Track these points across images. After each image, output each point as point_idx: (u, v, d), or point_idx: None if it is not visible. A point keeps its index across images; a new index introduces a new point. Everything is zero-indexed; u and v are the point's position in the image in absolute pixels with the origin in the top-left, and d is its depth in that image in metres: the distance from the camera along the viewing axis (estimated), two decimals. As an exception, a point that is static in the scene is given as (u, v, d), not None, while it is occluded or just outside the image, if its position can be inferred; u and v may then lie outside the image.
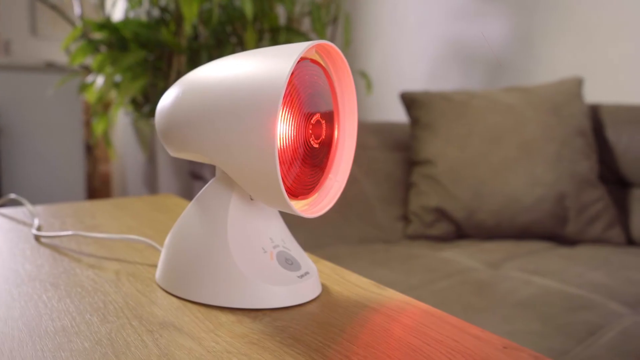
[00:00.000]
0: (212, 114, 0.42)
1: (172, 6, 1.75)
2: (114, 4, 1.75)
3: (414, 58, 2.13)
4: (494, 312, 0.90)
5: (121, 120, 1.88)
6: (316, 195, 0.48)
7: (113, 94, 1.77)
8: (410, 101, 1.55)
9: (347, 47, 1.97)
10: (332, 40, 1.94)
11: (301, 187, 0.45)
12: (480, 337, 0.40)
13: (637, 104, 1.42)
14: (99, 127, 1.81)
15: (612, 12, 1.56)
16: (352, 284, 0.51)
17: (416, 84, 2.04)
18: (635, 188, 1.38)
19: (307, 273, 0.47)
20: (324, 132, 0.46)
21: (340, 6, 1.95)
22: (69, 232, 0.62)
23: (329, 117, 0.47)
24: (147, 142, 1.79)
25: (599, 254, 1.21)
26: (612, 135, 1.40)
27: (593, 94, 1.55)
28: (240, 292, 0.44)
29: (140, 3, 1.75)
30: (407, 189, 1.48)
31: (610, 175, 1.40)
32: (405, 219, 1.44)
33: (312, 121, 0.44)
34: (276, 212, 0.50)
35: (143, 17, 1.75)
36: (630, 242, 1.34)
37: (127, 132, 1.97)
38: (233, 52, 1.72)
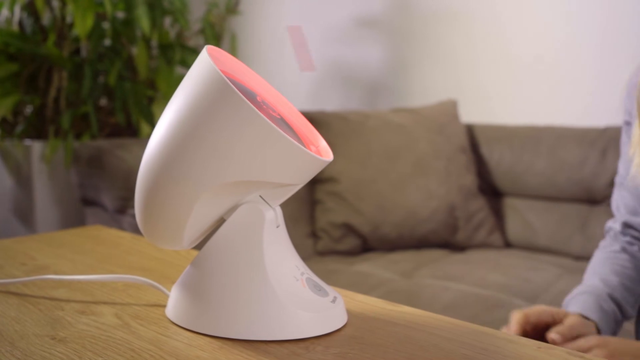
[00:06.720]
0: (201, 139, 0.41)
1: (47, 17, 1.58)
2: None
3: (295, 78, 2.20)
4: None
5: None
6: None
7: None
8: (307, 120, 1.59)
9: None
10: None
11: None
12: (513, 340, 0.44)
13: (503, 124, 1.64)
14: (-49, 150, 1.56)
15: (479, 40, 1.78)
16: (363, 303, 0.53)
17: (298, 103, 2.11)
18: (507, 197, 1.58)
19: (335, 297, 0.48)
20: (274, 107, 0.48)
21: (225, 25, 1.94)
22: (36, 277, 0.54)
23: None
24: (17, 166, 1.59)
25: (489, 257, 1.37)
26: (486, 151, 1.60)
27: (465, 115, 1.75)
28: (283, 323, 0.43)
29: None
30: (312, 206, 1.52)
31: (487, 186, 1.59)
32: (314, 235, 1.48)
33: (259, 101, 0.46)
34: (290, 240, 0.50)
35: (14, 27, 1.56)
36: (507, 244, 1.53)
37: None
38: (120, 68, 1.61)
